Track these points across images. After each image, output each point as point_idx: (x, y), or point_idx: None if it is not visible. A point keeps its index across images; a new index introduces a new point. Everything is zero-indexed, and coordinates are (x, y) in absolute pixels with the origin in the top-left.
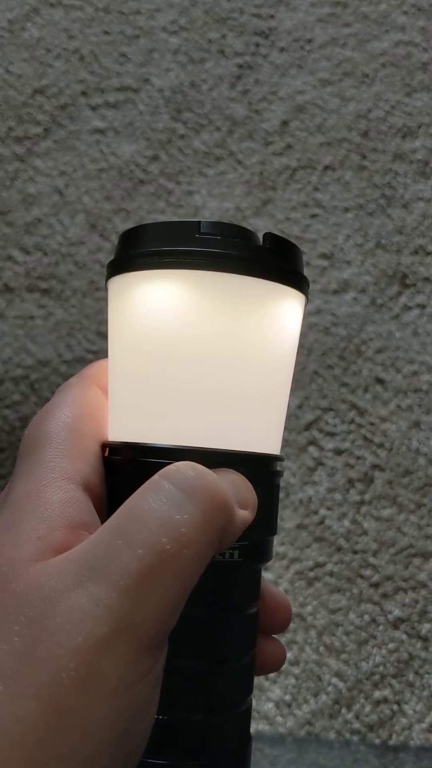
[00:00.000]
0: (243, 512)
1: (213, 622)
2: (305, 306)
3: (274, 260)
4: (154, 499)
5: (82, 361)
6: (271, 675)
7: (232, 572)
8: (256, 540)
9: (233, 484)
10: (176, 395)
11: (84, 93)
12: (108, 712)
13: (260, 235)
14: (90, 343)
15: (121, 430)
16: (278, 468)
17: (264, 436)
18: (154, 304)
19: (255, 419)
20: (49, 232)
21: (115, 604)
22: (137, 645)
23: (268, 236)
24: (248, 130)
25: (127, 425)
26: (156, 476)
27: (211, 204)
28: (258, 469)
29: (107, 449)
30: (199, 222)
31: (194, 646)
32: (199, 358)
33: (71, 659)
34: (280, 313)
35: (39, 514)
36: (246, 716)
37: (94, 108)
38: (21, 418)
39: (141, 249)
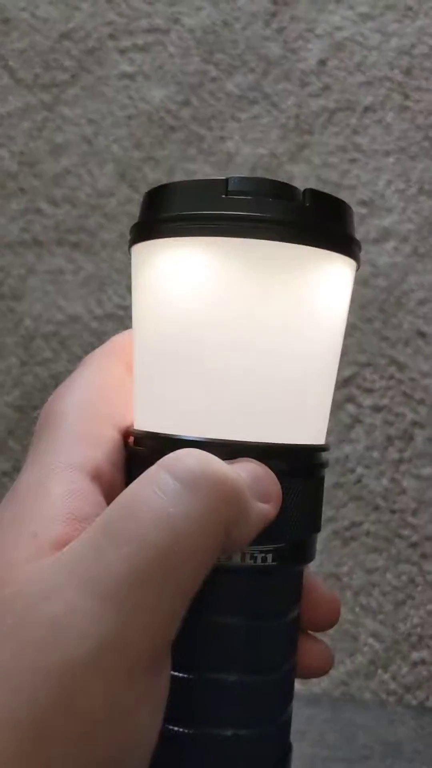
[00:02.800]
0: (261, 506)
1: (247, 631)
2: (356, 272)
3: (315, 221)
4: (148, 491)
5: (113, 318)
6: None
7: (266, 577)
8: (292, 540)
9: (252, 475)
10: (206, 381)
11: (112, 36)
12: (97, 745)
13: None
14: (121, 298)
15: (147, 417)
16: (321, 459)
17: (304, 424)
18: (178, 277)
19: (295, 407)
20: (77, 183)
21: (97, 614)
22: (128, 664)
23: (308, 193)
24: (284, 70)
25: (153, 412)
26: (154, 466)
27: (244, 150)
28: (294, 461)
29: (131, 438)
30: (227, 180)
31: (226, 657)
32: (230, 339)
33: (46, 682)
34: (324, 284)
35: (39, 508)
36: (285, 727)
37: (122, 51)
38: (53, 375)
39: (164, 213)
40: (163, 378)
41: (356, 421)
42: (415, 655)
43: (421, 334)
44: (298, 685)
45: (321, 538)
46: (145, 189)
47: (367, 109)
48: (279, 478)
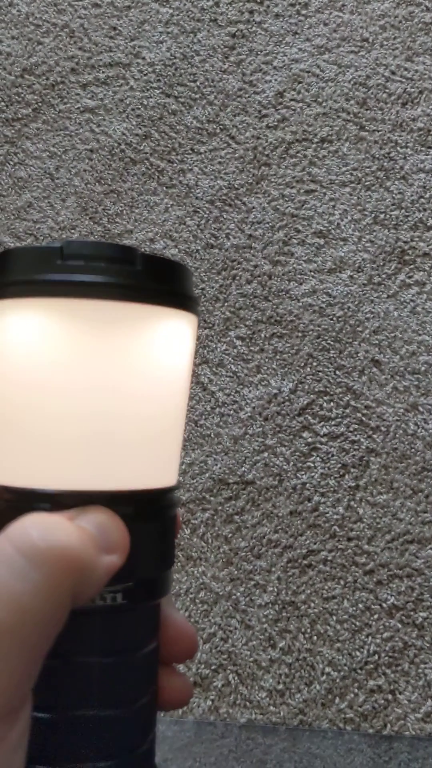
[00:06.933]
0: (107, 559)
1: (102, 668)
2: (197, 324)
3: (146, 281)
4: None
5: None
6: (264, 664)
7: (118, 615)
8: (141, 579)
9: (99, 526)
10: (50, 432)
11: (74, 70)
12: None
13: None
14: None
15: (1, 470)
16: (169, 500)
17: (151, 468)
18: (19, 335)
19: (139, 453)
20: (40, 216)
21: None
22: None
23: (140, 256)
24: (242, 103)
25: (6, 464)
26: (1, 538)
27: (203, 182)
28: (141, 505)
29: None
30: (61, 247)
31: (83, 694)
32: (70, 391)
33: None
34: (159, 336)
35: None
36: (147, 756)
37: (84, 86)
38: None
39: (4, 277)
40: (11, 432)
41: (313, 449)
42: (371, 684)
43: (376, 362)
44: (257, 714)
45: (279, 566)
46: (106, 222)
47: (323, 140)
48: (127, 523)
